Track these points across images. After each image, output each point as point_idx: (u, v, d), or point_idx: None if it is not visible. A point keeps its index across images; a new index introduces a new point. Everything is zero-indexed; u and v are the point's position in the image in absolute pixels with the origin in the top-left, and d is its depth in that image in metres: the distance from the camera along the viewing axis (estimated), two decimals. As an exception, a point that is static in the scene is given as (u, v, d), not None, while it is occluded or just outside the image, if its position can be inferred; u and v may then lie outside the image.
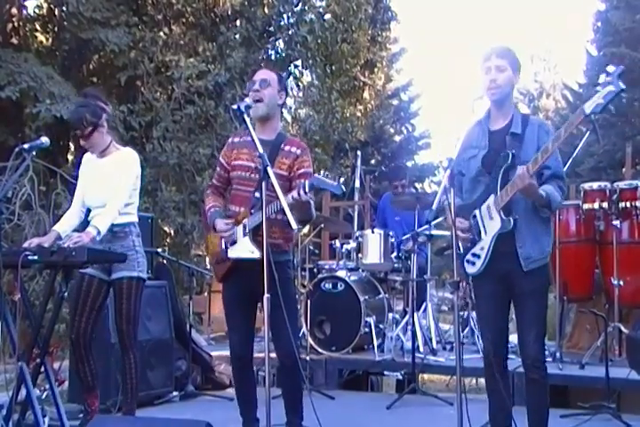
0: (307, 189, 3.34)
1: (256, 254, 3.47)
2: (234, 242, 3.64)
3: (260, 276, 3.06)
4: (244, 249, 3.57)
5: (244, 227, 3.58)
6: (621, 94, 2.81)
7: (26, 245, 3.68)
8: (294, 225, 3.20)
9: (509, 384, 3.43)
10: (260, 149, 3.22)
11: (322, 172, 3.44)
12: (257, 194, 3.50)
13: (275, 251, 3.43)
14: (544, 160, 3.04)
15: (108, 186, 3.90)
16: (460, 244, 3.37)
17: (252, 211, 3.57)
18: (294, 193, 3.38)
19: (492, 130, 3.39)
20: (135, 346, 3.96)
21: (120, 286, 3.89)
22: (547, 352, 5.48)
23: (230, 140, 3.90)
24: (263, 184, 3.19)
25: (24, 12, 10.54)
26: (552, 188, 3.21)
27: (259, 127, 3.68)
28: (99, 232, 3.71)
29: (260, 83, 3.68)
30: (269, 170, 3.17)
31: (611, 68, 2.84)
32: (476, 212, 3.32)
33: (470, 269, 3.35)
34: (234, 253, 3.64)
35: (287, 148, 3.70)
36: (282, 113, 4.14)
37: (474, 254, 3.33)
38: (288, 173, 3.66)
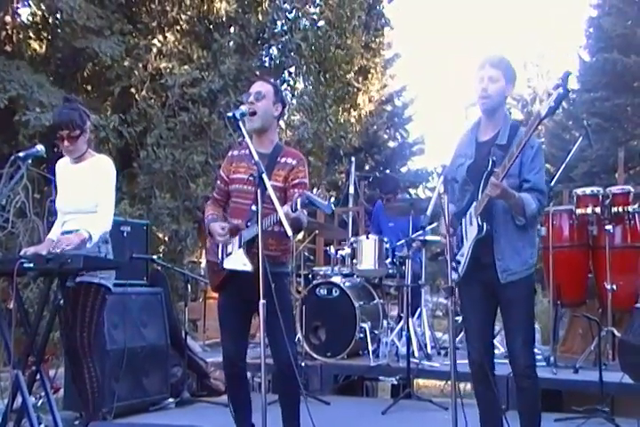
0: (298, 207, 3.33)
1: (248, 267, 3.48)
2: (229, 253, 3.66)
3: (256, 286, 3.08)
4: (238, 261, 3.59)
5: (240, 239, 3.60)
6: (569, 97, 2.90)
7: (22, 253, 3.68)
8: (290, 232, 3.22)
9: (498, 389, 3.45)
10: (256, 157, 3.24)
11: (314, 190, 3.44)
12: (253, 207, 3.51)
13: (272, 263, 3.43)
14: (511, 164, 3.07)
15: (82, 192, 3.85)
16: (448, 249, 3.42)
17: (249, 224, 3.58)
18: (284, 209, 3.34)
19: (480, 141, 3.41)
20: (92, 357, 3.79)
21: (77, 292, 3.71)
22: (540, 356, 5.55)
23: (230, 153, 3.91)
24: (259, 191, 3.20)
25: (18, 19, 10.54)
26: (528, 196, 3.21)
27: (255, 140, 3.69)
28: (90, 237, 3.64)
29: (254, 95, 3.67)
30: (264, 177, 3.18)
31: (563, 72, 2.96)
32: (463, 219, 3.36)
33: (453, 275, 3.39)
34: (229, 264, 3.66)
35: (283, 159, 3.70)
36: (278, 124, 4.12)
37: (457, 261, 3.37)
38: (283, 184, 3.66)
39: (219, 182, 3.90)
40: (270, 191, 3.20)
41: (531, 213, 3.22)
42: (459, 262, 3.35)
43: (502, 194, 3.12)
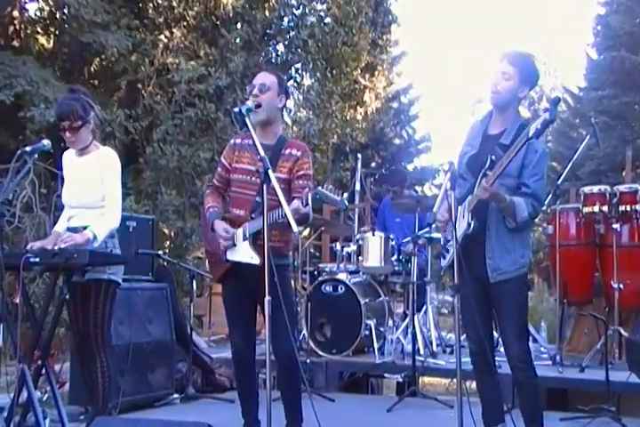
0: (309, 202, 3.32)
1: (255, 260, 3.46)
2: (233, 245, 3.64)
3: (259, 278, 3.06)
4: (244, 254, 3.55)
5: (244, 231, 3.58)
6: (554, 117, 2.97)
7: (28, 248, 3.67)
8: (295, 228, 3.20)
9: (499, 382, 3.45)
10: (262, 152, 3.22)
11: (326, 185, 3.40)
12: (258, 198, 3.47)
13: (274, 254, 3.41)
14: (500, 171, 3.10)
15: (87, 186, 3.82)
16: (441, 235, 3.54)
17: (253, 215, 3.55)
18: (293, 205, 3.33)
19: (488, 133, 3.40)
20: (105, 352, 3.79)
21: (87, 289, 3.71)
22: (546, 355, 5.53)
23: (232, 141, 3.87)
24: (264, 188, 3.18)
25: (25, 14, 10.57)
26: (522, 200, 3.20)
27: (260, 132, 3.65)
28: (95, 237, 3.62)
29: (258, 87, 3.63)
30: (270, 173, 3.16)
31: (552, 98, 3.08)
32: (459, 208, 3.36)
33: (442, 262, 3.48)
34: (233, 256, 3.63)
35: (287, 151, 3.68)
36: (282, 116, 4.09)
37: (447, 249, 3.42)
38: (288, 176, 3.64)
39: (220, 170, 3.85)
40: (277, 187, 3.17)
41: (521, 219, 3.21)
42: (448, 251, 3.40)
43: (491, 197, 3.15)
